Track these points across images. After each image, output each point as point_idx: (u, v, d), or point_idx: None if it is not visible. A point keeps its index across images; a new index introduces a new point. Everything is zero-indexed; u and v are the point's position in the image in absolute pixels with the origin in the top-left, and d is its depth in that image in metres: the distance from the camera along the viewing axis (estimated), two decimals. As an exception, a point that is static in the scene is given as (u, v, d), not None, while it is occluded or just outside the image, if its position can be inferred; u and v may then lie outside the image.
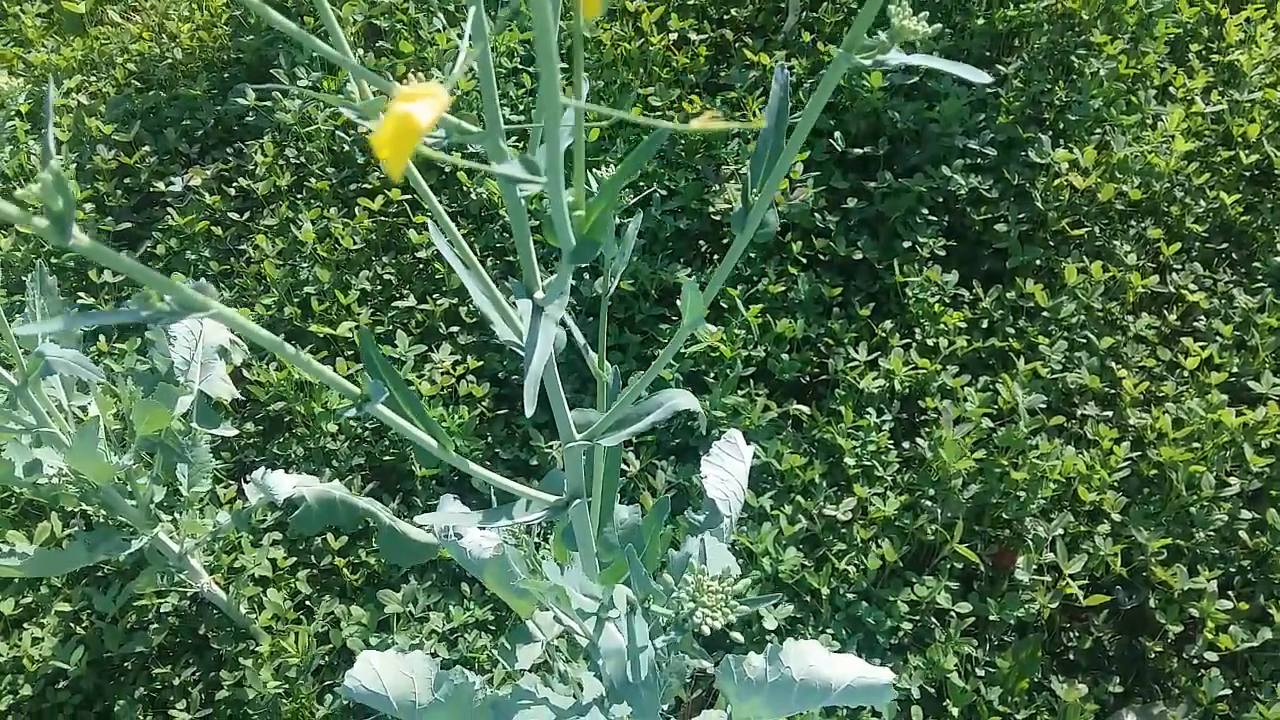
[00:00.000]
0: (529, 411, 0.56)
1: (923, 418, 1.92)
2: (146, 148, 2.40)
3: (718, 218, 2.13)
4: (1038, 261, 2.04)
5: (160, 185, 2.34)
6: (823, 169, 2.16)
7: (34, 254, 2.29)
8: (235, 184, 2.30)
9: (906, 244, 2.07)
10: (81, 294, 2.19)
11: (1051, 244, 2.06)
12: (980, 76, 0.61)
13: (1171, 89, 2.16)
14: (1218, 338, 1.93)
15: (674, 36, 2.36)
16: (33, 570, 1.32)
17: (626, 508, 1.19)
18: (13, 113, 2.37)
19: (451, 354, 2.04)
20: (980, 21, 2.26)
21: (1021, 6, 2.21)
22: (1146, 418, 1.85)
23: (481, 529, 0.94)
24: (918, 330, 1.99)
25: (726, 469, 1.30)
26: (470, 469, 0.71)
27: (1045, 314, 1.96)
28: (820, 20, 2.34)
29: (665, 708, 1.37)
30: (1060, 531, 1.74)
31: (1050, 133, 2.11)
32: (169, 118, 2.49)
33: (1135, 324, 1.94)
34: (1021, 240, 2.06)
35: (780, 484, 1.86)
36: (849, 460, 1.84)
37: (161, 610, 1.86)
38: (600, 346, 0.87)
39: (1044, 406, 1.86)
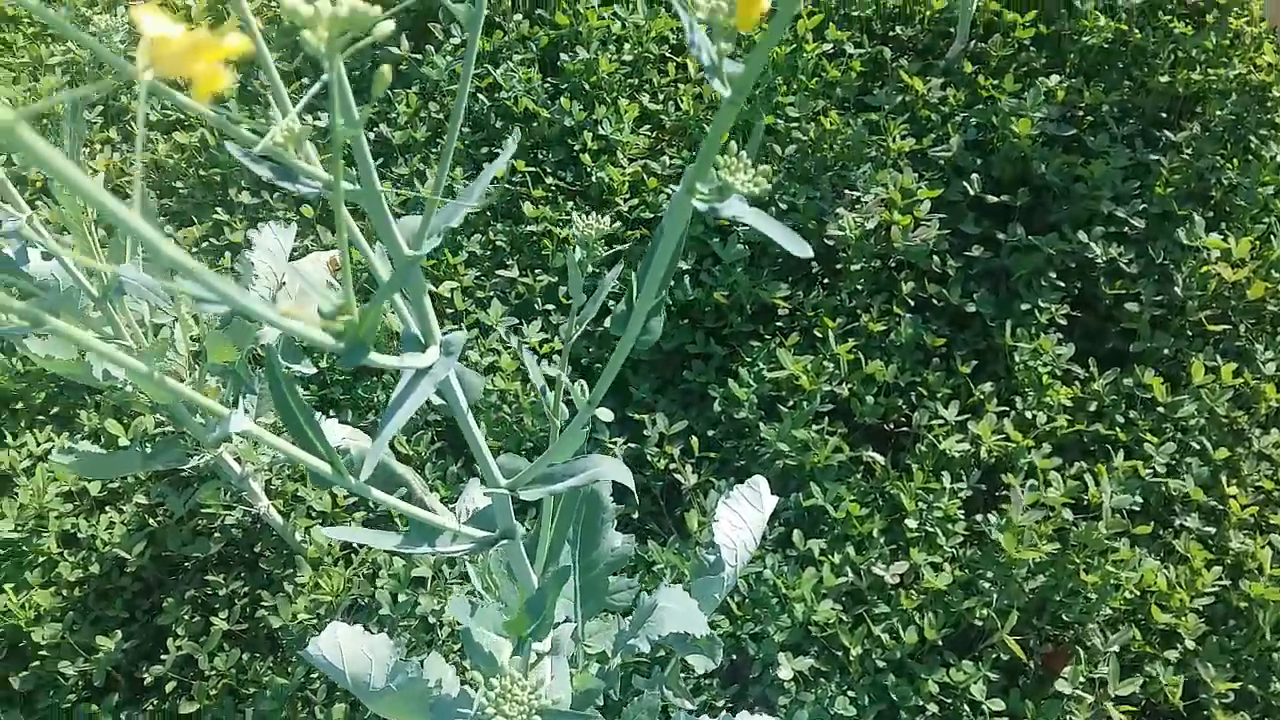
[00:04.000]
0: (363, 476, 0.54)
1: (1002, 493, 1.81)
2: (305, 80, 2.50)
3: (831, 241, 2.05)
4: (1165, 351, 1.87)
5: (309, 118, 2.43)
6: (953, 211, 2.04)
7: (186, 163, 2.43)
8: (376, 129, 2.37)
9: (1026, 306, 1.94)
10: (218, 209, 2.31)
11: (1185, 335, 1.89)
12: (803, 250, 0.56)
13: (1364, 189, 1.94)
14: (1355, 473, 1.73)
15: (829, 47, 2.27)
16: (82, 470, 1.40)
17: (621, 536, 1.16)
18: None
19: (540, 331, 2.05)
20: (1163, 79, 2.08)
21: (1209, 71, 2.01)
22: (1250, 544, 1.68)
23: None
24: (1018, 400, 1.87)
25: (742, 516, 1.26)
26: (373, 495, 0.70)
27: (1161, 409, 1.80)
28: (987, 52, 2.21)
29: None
30: (1118, 648, 1.61)
31: (1210, 214, 1.93)
32: (334, 54, 2.58)
33: (1260, 439, 1.76)
34: (1152, 325, 1.89)
35: (834, 531, 1.79)
36: (910, 522, 1.75)
37: (225, 522, 1.95)
38: (557, 390, 0.84)
39: (1136, 509, 1.72)
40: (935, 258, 2.00)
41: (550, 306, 2.11)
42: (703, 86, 2.32)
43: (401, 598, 1.78)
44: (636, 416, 1.94)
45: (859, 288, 2.02)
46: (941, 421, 1.85)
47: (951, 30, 2.27)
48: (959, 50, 2.23)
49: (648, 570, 1.78)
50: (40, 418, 2.07)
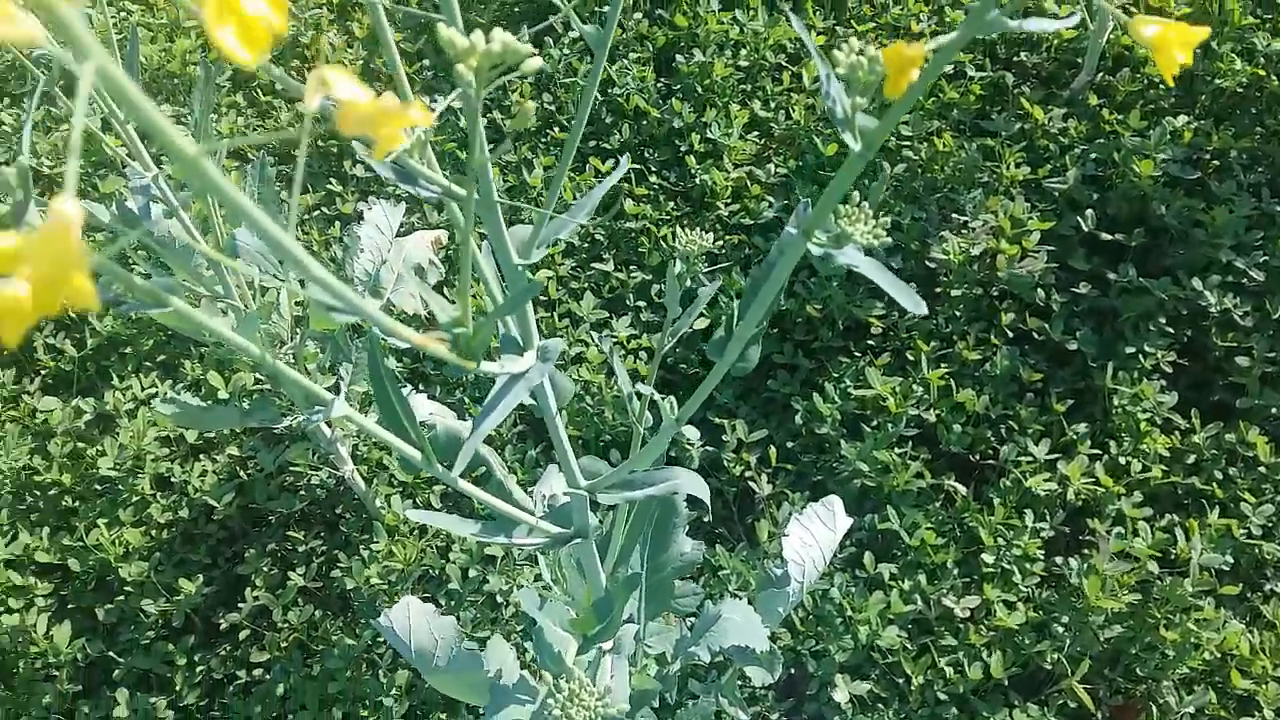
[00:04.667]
0: (457, 470, 0.56)
1: (1086, 537, 1.76)
2: (426, 61, 2.55)
3: (933, 265, 2.02)
4: (1273, 409, 1.80)
5: (425, 99, 2.49)
6: (1063, 245, 1.99)
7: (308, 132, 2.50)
8: (489, 115, 2.41)
9: (1131, 349, 1.88)
10: (332, 180, 2.38)
11: (1297, 395, 1.81)
12: (918, 306, 0.55)
13: None
14: None
15: (949, 68, 2.23)
16: (182, 421, 1.46)
17: (691, 542, 1.17)
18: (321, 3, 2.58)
19: (629, 327, 2.06)
20: (1300, 128, 2.00)
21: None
22: (1346, 620, 1.61)
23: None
24: (1113, 444, 1.82)
25: (814, 534, 1.25)
26: (459, 486, 0.72)
27: (1263, 469, 1.73)
28: (1114, 86, 2.14)
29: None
30: (1192, 709, 1.55)
31: (1338, 272, 1.84)
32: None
33: (1369, 513, 1.68)
34: (1262, 381, 1.82)
35: (907, 558, 1.77)
36: (987, 557, 1.72)
37: (311, 481, 2.02)
38: (643, 402, 0.85)
39: (1225, 569, 1.66)
40: (1040, 291, 1.95)
41: (641, 303, 2.13)
42: (815, 98, 2.30)
43: (472, 573, 1.82)
44: (717, 421, 1.94)
45: (957, 314, 1.98)
46: (1030, 458, 1.81)
47: (1079, 60, 2.21)
48: (1085, 81, 2.17)
49: (714, 575, 1.78)
50: (147, 364, 2.16)
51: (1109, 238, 1.97)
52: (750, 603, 1.21)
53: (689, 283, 0.87)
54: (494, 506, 0.80)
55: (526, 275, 0.67)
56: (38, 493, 1.99)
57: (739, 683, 1.31)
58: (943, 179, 2.13)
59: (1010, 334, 1.94)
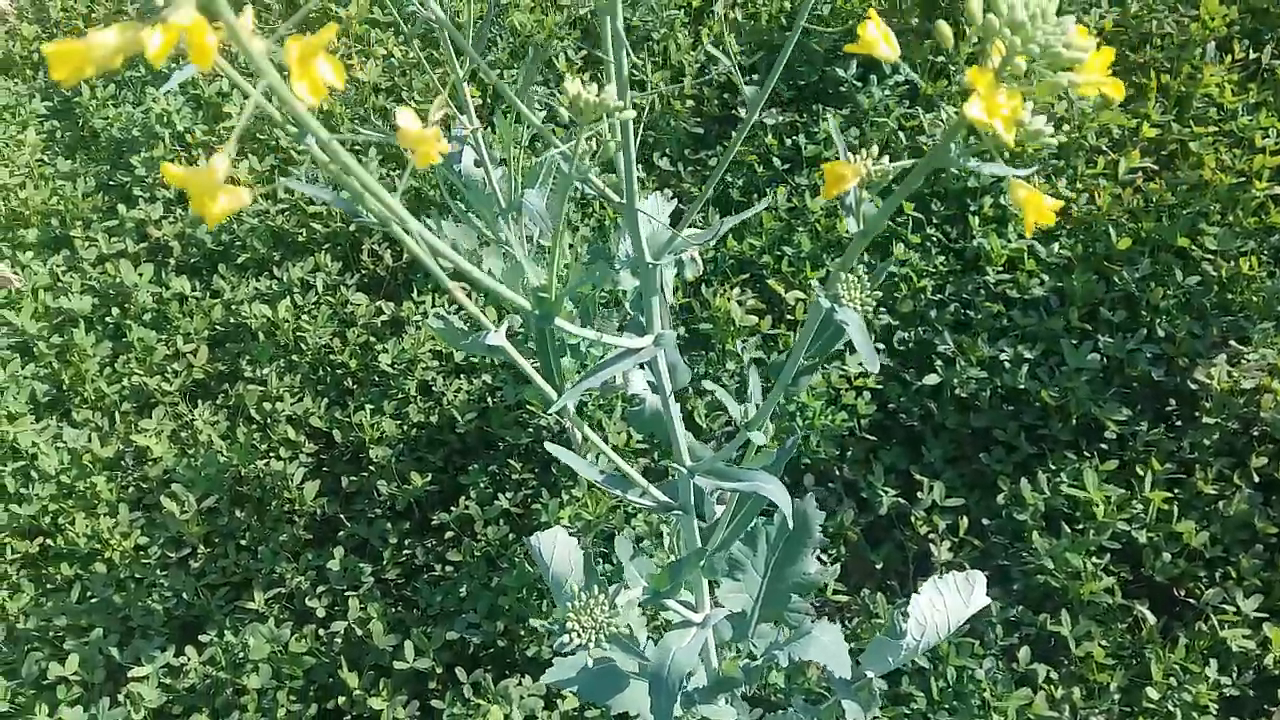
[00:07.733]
0: (562, 401, 0.68)
1: (1270, 707, 1.63)
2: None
3: (1194, 386, 1.92)
4: None
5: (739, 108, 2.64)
6: (1350, 402, 1.82)
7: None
8: (793, 139, 2.53)
9: (1394, 533, 1.70)
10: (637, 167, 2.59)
11: None
12: (872, 363, 0.61)
13: None
14: None
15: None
16: (442, 335, 1.70)
17: (818, 565, 1.24)
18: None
19: (858, 364, 2.11)
20: None
21: None
22: None
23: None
24: (1339, 625, 1.66)
25: (945, 600, 1.28)
26: (590, 435, 0.84)
27: None
28: None
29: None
30: None
31: None
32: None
33: None
34: None
35: (1067, 667, 1.72)
36: (1152, 692, 1.64)
37: (539, 423, 2.24)
38: (760, 408, 0.93)
39: None
40: (1305, 443, 1.80)
41: (880, 346, 2.16)
42: (1126, 189, 2.22)
43: (643, 544, 1.96)
44: (918, 477, 1.95)
45: (1205, 443, 1.87)
46: (1235, 610, 1.69)
47: None
48: None
49: (869, 619, 1.82)
50: (442, 286, 2.47)
51: (1407, 409, 1.78)
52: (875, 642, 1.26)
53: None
54: (618, 464, 0.93)
55: (655, 273, 0.79)
56: (328, 369, 2.35)
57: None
58: (1237, 303, 2.00)
59: (1257, 479, 1.81)
